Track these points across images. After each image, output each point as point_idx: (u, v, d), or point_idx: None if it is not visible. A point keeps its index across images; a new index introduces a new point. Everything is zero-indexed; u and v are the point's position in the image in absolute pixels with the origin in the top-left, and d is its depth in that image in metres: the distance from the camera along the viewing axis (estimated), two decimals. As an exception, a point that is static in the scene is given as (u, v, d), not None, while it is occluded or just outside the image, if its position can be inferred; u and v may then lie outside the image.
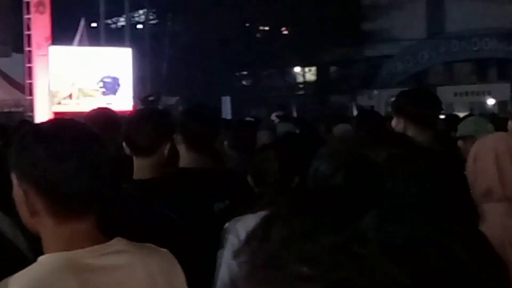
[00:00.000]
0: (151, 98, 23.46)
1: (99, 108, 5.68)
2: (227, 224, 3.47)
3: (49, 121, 2.39)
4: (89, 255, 2.05)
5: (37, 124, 2.26)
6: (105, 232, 2.14)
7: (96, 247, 2.08)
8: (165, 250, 2.28)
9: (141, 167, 3.87)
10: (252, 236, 0.88)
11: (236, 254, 2.82)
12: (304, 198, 0.92)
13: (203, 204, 3.97)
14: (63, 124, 2.18)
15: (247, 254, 0.87)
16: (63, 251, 2.03)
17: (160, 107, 25.27)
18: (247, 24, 38.99)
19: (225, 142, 6.17)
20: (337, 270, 0.76)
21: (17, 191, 2.11)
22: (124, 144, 3.95)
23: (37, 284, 1.96)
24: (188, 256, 2.52)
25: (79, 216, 2.08)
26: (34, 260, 2.07)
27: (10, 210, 2.30)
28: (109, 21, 33.88)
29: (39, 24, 22.70)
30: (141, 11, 36.28)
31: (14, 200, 2.14)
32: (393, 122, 4.82)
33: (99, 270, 2.05)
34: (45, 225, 2.08)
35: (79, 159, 2.04)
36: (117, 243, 2.15)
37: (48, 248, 2.07)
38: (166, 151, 3.89)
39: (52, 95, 23.16)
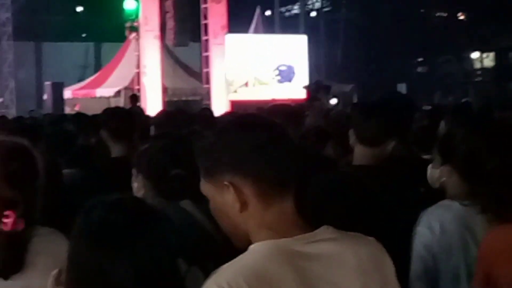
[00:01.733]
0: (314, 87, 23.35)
1: (279, 104, 5.94)
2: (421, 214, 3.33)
3: (238, 115, 2.48)
4: (298, 243, 2.07)
5: (230, 119, 2.30)
6: (308, 220, 2.17)
7: (305, 235, 2.10)
8: (372, 238, 2.26)
9: (363, 155, 4.08)
10: None
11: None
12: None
13: (402, 192, 3.97)
14: (253, 116, 2.31)
15: None
16: (272, 239, 2.07)
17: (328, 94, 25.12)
18: (422, 10, 38.16)
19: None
20: None
21: (217, 199, 2.14)
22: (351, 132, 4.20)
23: (251, 271, 1.99)
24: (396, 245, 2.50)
25: (282, 200, 2.12)
26: (223, 243, 2.17)
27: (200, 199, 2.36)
28: (283, 9, 34.06)
29: (216, 13, 23.00)
30: (315, -1, 36.30)
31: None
32: None
33: (309, 257, 2.07)
34: (253, 215, 2.11)
35: (276, 147, 2.12)
36: (325, 230, 2.15)
37: (257, 238, 2.10)
38: (390, 147, 4.03)
39: (228, 83, 23.45)
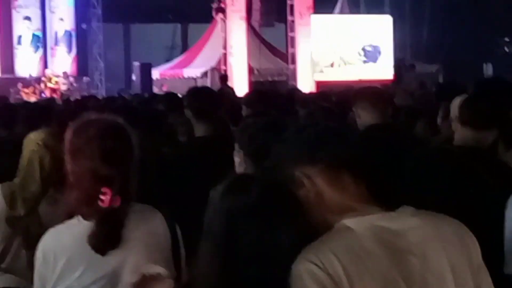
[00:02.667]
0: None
1: (367, 86, 5.91)
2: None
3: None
4: (383, 219, 2.11)
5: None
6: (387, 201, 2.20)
7: (388, 213, 2.14)
8: (456, 220, 2.25)
9: (466, 137, 3.97)
10: None
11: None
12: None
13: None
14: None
15: None
16: (357, 217, 2.11)
17: (413, 74, 24.80)
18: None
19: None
20: None
21: (310, 187, 2.15)
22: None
23: (340, 247, 2.03)
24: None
25: (355, 183, 2.16)
26: None
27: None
28: (368, -12, 33.66)
29: (302, -7, 22.93)
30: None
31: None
32: None
33: (396, 232, 2.10)
34: (330, 202, 2.15)
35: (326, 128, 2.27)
36: (406, 209, 2.18)
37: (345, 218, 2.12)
38: (495, 133, 3.90)
39: (314, 63, 23.38)
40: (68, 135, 2.81)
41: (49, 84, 23.10)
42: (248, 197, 2.09)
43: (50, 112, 6.01)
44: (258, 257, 2.05)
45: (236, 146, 3.58)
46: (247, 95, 6.97)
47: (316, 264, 1.99)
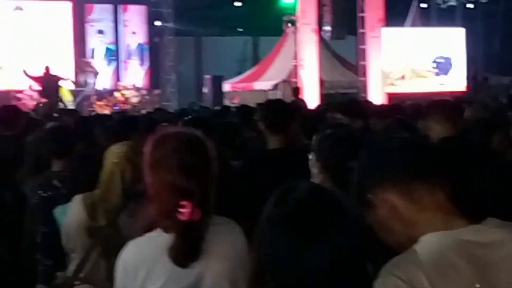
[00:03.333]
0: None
1: (438, 100, 5.87)
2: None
3: None
4: (468, 232, 2.07)
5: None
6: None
7: (473, 226, 2.10)
8: None
9: None
10: None
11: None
12: None
13: None
14: None
15: None
16: (441, 231, 2.07)
17: (486, 87, 24.37)
18: None
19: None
20: None
21: (377, 212, 2.16)
22: None
23: (426, 261, 2.00)
24: None
25: (433, 195, 2.12)
26: None
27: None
28: (439, 1, 33.26)
29: (373, 6, 22.80)
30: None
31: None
32: None
33: (482, 245, 2.06)
34: (411, 218, 2.13)
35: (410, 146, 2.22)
36: (491, 221, 2.14)
37: (426, 230, 2.09)
38: None
39: (384, 76, 23.20)
40: (147, 148, 2.84)
41: (116, 94, 23.49)
42: (283, 207, 2.01)
43: (131, 125, 6.09)
44: (286, 269, 1.95)
45: (313, 157, 3.58)
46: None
47: (401, 279, 1.98)
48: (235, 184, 4.32)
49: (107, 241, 3.75)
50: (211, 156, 2.85)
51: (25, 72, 20.71)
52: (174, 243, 2.70)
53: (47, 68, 20.45)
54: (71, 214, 4.05)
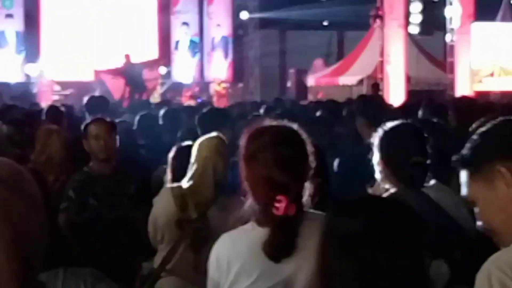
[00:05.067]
0: None
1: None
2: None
3: None
4: None
5: None
6: None
7: None
8: None
9: None
10: None
11: None
12: None
13: None
14: None
15: None
16: None
17: None
18: None
19: None
20: None
21: (487, 195, 2.04)
22: None
23: None
24: None
25: None
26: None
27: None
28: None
29: (462, 1, 22.33)
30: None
31: None
32: None
33: None
34: None
35: None
36: None
37: None
38: None
39: (473, 73, 22.72)
40: (242, 141, 2.81)
41: (216, 88, 23.64)
42: (356, 223, 1.94)
43: (223, 117, 6.07)
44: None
45: (376, 153, 3.47)
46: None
47: (507, 274, 1.89)
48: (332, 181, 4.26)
49: (197, 233, 3.75)
50: (308, 151, 2.79)
51: (97, 72, 21.02)
52: (268, 237, 2.66)
53: (127, 56, 20.72)
54: (160, 205, 4.05)
